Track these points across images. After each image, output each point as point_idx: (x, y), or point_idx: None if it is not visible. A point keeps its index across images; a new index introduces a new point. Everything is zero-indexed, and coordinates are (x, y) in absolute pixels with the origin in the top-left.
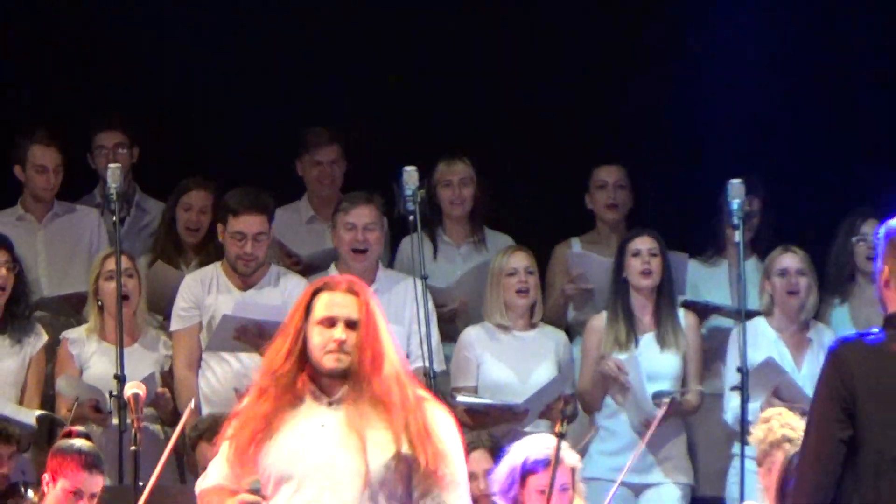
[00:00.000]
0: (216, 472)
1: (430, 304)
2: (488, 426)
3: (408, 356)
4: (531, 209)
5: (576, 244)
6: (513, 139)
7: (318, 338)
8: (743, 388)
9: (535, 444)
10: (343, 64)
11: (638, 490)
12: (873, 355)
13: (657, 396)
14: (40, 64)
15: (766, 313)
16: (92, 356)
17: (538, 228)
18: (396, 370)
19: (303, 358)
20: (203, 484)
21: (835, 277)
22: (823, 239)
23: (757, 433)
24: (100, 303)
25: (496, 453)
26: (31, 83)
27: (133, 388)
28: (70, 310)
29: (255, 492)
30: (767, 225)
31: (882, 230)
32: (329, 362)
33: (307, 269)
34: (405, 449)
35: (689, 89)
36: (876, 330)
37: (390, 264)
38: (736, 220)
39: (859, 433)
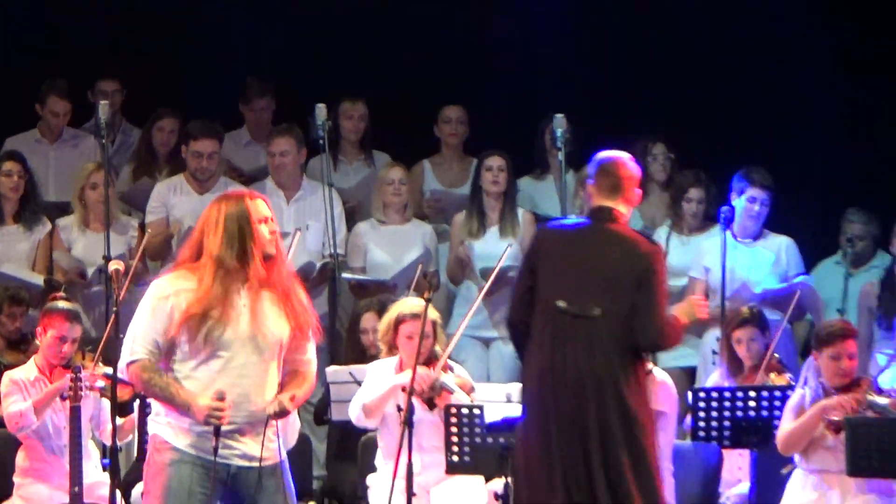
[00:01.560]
0: (143, 345)
1: (340, 206)
2: (369, 296)
3: (323, 244)
4: (404, 134)
5: (426, 164)
6: (389, 82)
7: (263, 231)
8: None
9: (406, 303)
10: (273, 24)
11: (486, 342)
12: (562, 234)
13: (483, 273)
14: (57, 21)
15: (581, 213)
16: (76, 240)
17: (410, 147)
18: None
19: (246, 249)
20: (132, 357)
21: None
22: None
23: None
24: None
25: (382, 314)
26: (47, 35)
27: (115, 265)
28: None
29: (221, 398)
30: (579, 147)
31: (595, 160)
32: (271, 248)
33: (249, 179)
34: (292, 321)
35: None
36: (582, 218)
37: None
38: (559, 144)
39: (537, 285)
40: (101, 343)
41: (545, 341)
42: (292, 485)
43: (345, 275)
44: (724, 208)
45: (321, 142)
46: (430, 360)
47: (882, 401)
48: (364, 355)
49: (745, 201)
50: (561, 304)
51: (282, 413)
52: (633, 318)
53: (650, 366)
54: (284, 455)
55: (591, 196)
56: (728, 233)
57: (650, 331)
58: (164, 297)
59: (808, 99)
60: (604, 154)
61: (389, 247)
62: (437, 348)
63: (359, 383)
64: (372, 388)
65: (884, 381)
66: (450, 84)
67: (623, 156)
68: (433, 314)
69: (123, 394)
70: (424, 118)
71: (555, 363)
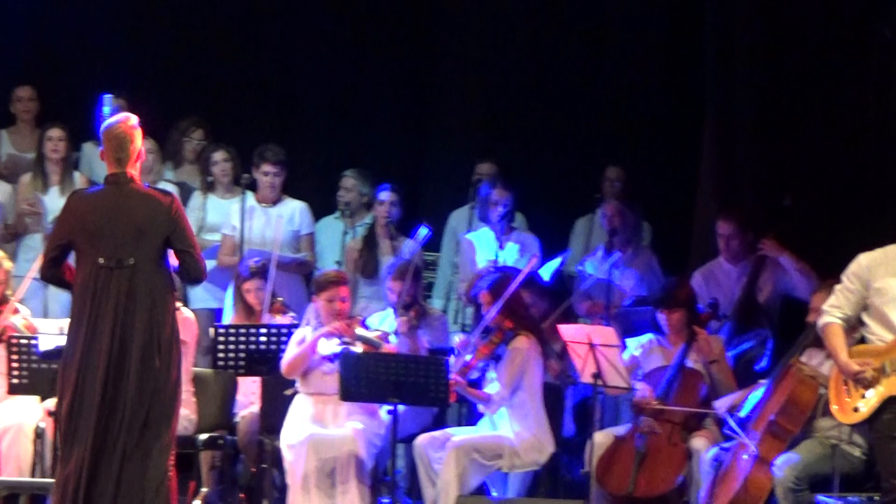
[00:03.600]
0: None
1: None
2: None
3: None
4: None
5: (3, 133)
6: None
7: None
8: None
9: None
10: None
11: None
12: (93, 199)
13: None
14: None
15: None
16: None
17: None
18: None
19: None
20: None
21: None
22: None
23: None
24: None
25: None
26: None
27: None
28: None
29: None
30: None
31: (102, 129)
32: None
33: None
34: None
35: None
36: (100, 185)
37: None
38: (106, 113)
39: (77, 246)
40: None
41: (89, 293)
42: None
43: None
44: (245, 175)
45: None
46: (2, 302)
47: (370, 334)
48: None
49: (262, 174)
50: (101, 260)
51: None
52: (181, 261)
53: (179, 304)
54: None
55: (105, 161)
56: (252, 196)
57: (197, 267)
58: None
59: (311, 81)
60: (109, 124)
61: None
62: (8, 292)
63: None
64: None
65: (373, 321)
66: (21, 64)
67: (124, 127)
68: (7, 264)
69: None
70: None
71: (100, 311)
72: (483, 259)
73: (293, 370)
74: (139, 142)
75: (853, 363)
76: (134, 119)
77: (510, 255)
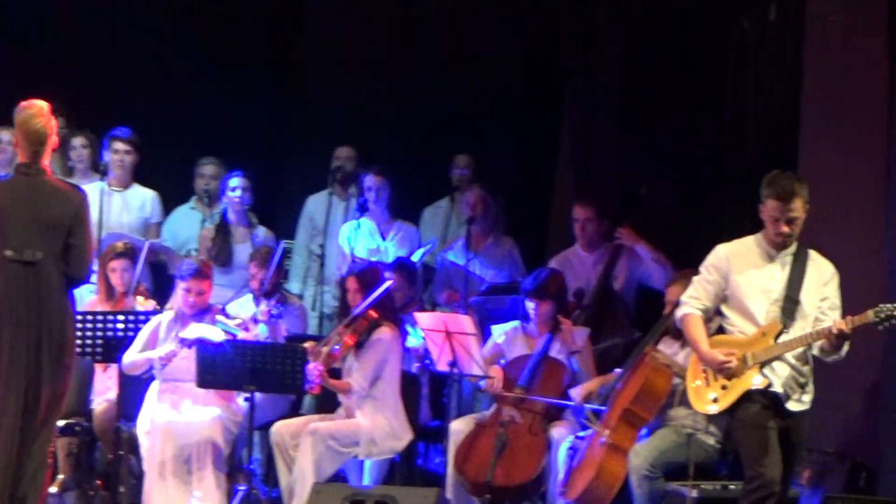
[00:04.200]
0: None
1: None
2: None
3: None
4: None
5: None
6: None
7: None
8: None
9: None
10: None
11: None
12: (7, 186)
13: None
14: None
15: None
16: None
17: None
18: None
19: None
20: None
21: None
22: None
23: None
24: None
25: None
26: None
27: None
28: None
29: None
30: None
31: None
32: None
33: None
34: None
35: None
36: (2, 174)
37: None
38: None
39: None
40: None
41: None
42: None
43: None
44: (103, 163)
45: None
46: None
47: (230, 322)
48: None
49: (111, 153)
50: (8, 253)
51: None
52: (69, 256)
53: None
54: None
55: (18, 150)
56: (105, 182)
57: (84, 266)
58: None
59: (169, 67)
60: (26, 115)
61: None
62: None
63: None
64: None
65: (232, 308)
66: None
67: (43, 121)
68: None
69: None
70: None
71: (10, 306)
72: (363, 250)
73: (133, 370)
74: (55, 134)
75: (718, 353)
76: (47, 107)
77: (392, 244)
